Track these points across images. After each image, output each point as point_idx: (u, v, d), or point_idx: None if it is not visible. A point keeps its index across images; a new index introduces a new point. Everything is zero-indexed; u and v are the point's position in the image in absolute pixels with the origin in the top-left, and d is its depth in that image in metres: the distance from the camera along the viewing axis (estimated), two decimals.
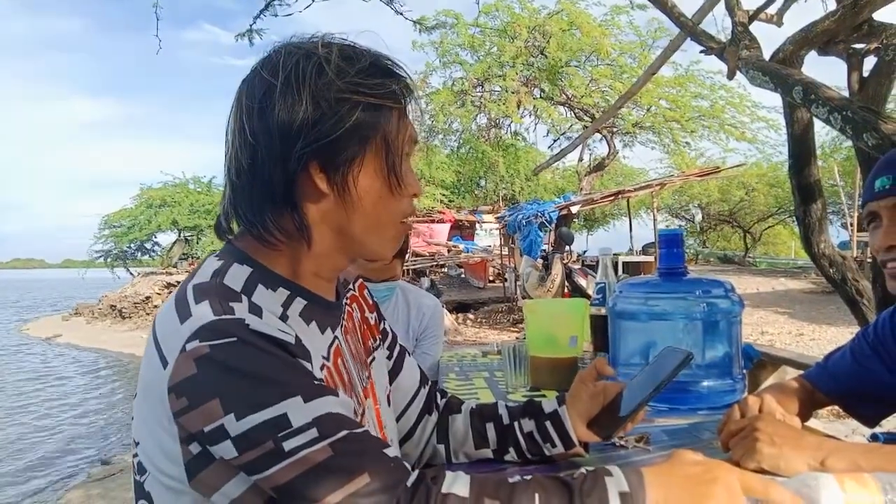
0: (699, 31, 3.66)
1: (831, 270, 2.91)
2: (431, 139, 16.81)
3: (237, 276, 0.81)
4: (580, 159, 17.78)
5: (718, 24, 6.82)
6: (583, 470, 0.75)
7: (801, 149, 3.12)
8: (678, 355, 1.06)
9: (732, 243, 28.12)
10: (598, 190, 15.30)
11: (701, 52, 3.61)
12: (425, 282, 15.99)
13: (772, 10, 3.54)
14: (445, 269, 19.05)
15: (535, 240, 11.00)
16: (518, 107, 14.08)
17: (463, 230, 22.18)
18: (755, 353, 1.63)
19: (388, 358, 1.11)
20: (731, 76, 3.38)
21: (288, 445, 0.68)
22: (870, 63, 2.91)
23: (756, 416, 1.05)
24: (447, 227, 20.02)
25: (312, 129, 0.78)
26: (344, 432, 0.71)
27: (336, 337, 0.91)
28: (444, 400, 1.17)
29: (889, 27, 2.76)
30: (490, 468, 1.08)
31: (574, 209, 12.28)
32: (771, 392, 1.41)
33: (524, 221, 11.42)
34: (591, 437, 1.04)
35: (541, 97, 14.49)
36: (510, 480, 0.73)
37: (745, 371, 1.58)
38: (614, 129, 14.48)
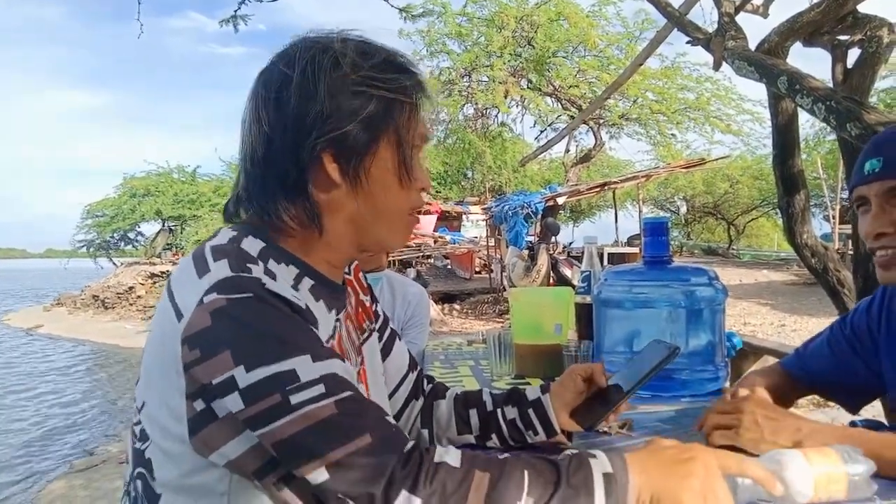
0: (686, 21, 3.66)
1: (813, 260, 2.93)
2: None
3: (252, 245, 0.83)
4: (567, 150, 17.83)
5: (706, 15, 6.82)
6: (567, 452, 0.75)
7: (786, 140, 3.13)
8: (664, 349, 1.07)
9: (717, 235, 28.34)
10: (585, 181, 15.35)
11: (687, 42, 3.61)
12: (411, 273, 15.98)
13: (758, 0, 3.55)
14: (432, 260, 19.03)
15: (520, 231, 11.04)
16: (505, 97, 14.08)
17: (449, 221, 22.17)
18: (739, 342, 1.64)
19: (380, 340, 1.12)
20: (716, 67, 3.39)
21: (295, 399, 0.70)
22: (854, 55, 2.93)
23: (742, 398, 1.05)
24: (434, 218, 20.00)
25: (326, 120, 0.81)
26: (349, 392, 0.73)
27: (338, 320, 0.93)
28: (430, 385, 1.18)
29: (873, 19, 2.78)
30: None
31: (560, 200, 12.32)
32: (753, 379, 1.43)
33: (510, 212, 11.45)
34: (573, 426, 1.06)
35: (528, 87, 14.50)
36: (500, 457, 0.73)
37: (727, 359, 1.59)
38: (601, 121, 14.52)
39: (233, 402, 0.71)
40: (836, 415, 3.41)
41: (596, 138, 14.63)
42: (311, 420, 0.69)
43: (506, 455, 0.74)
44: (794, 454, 0.80)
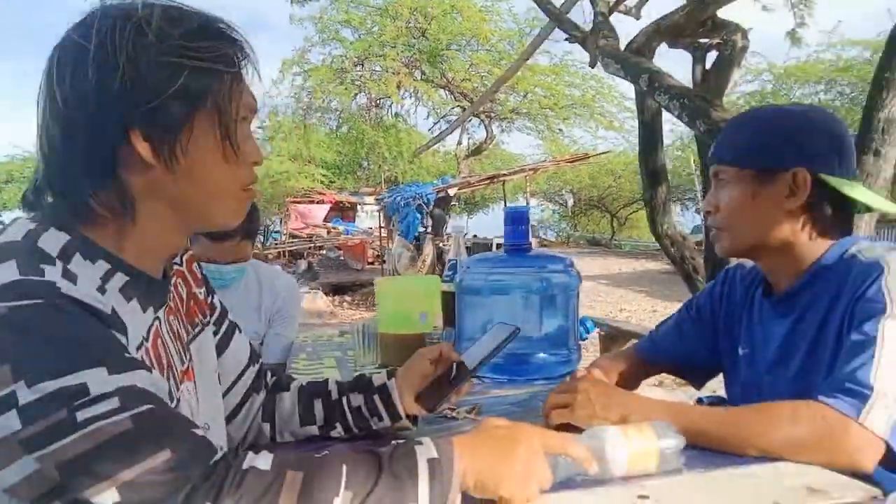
0: (564, 19, 3.78)
1: (672, 249, 3.13)
2: (309, 117, 16.39)
3: (53, 240, 0.74)
4: (459, 143, 18.03)
5: (586, 15, 7.05)
6: (394, 442, 0.74)
7: (650, 135, 3.31)
8: (506, 329, 1.09)
9: (601, 227, 29.68)
10: (478, 174, 15.60)
11: (565, 39, 3.73)
12: (302, 264, 15.64)
13: (631, 2, 3.73)
14: (324, 252, 18.73)
15: (412, 222, 11.07)
16: (398, 88, 14.04)
17: (344, 212, 21.88)
18: (592, 326, 1.72)
19: (216, 334, 1.06)
20: (592, 64, 3.53)
21: (82, 416, 0.62)
22: (713, 58, 3.13)
23: (578, 378, 1.09)
24: (327, 208, 19.69)
25: (131, 95, 0.73)
26: (148, 406, 0.66)
27: (157, 317, 0.85)
28: (273, 378, 1.14)
29: (729, 24, 2.98)
30: (315, 446, 1.07)
31: (451, 192, 12.46)
32: (603, 361, 1.49)
33: (403, 203, 11.45)
34: (417, 410, 1.05)
35: (422, 79, 14.52)
36: (316, 455, 0.71)
37: (580, 342, 1.65)
38: (492, 115, 14.80)
39: (7, 422, 0.63)
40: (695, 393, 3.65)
41: (487, 132, 14.91)
42: (100, 438, 0.63)
43: (323, 453, 0.71)
44: (613, 431, 0.84)
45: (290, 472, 0.67)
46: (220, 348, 1.06)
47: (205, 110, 0.78)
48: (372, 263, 15.92)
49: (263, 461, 0.68)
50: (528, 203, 13.53)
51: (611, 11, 3.53)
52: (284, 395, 1.11)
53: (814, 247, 1.08)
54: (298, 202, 19.35)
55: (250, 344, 1.14)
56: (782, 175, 1.06)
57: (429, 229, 11.27)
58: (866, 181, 1.91)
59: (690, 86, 2.83)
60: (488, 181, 13.38)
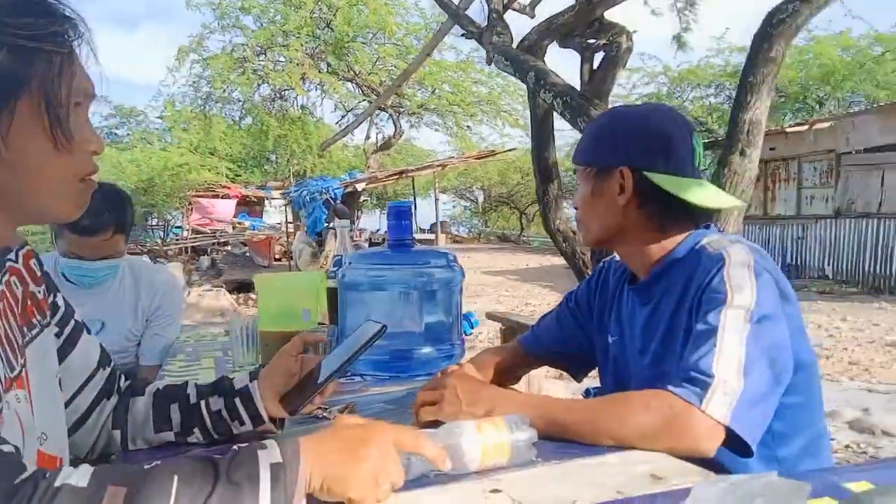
0: (461, 15, 3.80)
1: (564, 245, 3.22)
2: (210, 107, 15.75)
3: None
4: (368, 138, 17.88)
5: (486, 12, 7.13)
6: (235, 447, 0.71)
7: (542, 132, 3.39)
8: (373, 327, 1.06)
9: (511, 223, 30.33)
10: (387, 169, 15.52)
11: (462, 35, 3.76)
12: (205, 261, 15.05)
13: (525, 0, 3.79)
14: (229, 248, 18.10)
15: (319, 217, 10.88)
16: (303, 79, 13.72)
17: (251, 206, 21.25)
18: (476, 321, 1.74)
19: (59, 336, 0.98)
20: (489, 61, 3.57)
21: None
22: (602, 57, 3.23)
23: (445, 374, 1.09)
24: (233, 202, 19.05)
25: None
26: None
27: None
28: (128, 382, 1.07)
29: (615, 26, 3.09)
30: (170, 452, 1.01)
31: (359, 187, 12.33)
32: (484, 355, 1.50)
33: (309, 198, 11.23)
34: (281, 413, 1.01)
35: (327, 71, 14.26)
36: (145, 466, 0.66)
37: (464, 336, 1.66)
38: (400, 110, 14.75)
39: None
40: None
41: (396, 127, 14.85)
42: None
43: (154, 463, 0.67)
44: (467, 425, 0.84)
45: (112, 487, 0.61)
46: (65, 351, 0.99)
47: (28, 95, 0.72)
48: (279, 260, 15.53)
49: (80, 477, 0.62)
50: (437, 199, 13.61)
51: (505, 9, 3.58)
52: (138, 400, 1.04)
53: (664, 238, 1.13)
54: (202, 196, 18.62)
55: (101, 346, 1.07)
56: (613, 173, 1.12)
57: (331, 225, 11.12)
58: (733, 179, 2.03)
59: (579, 85, 2.92)
60: (398, 176, 13.35)
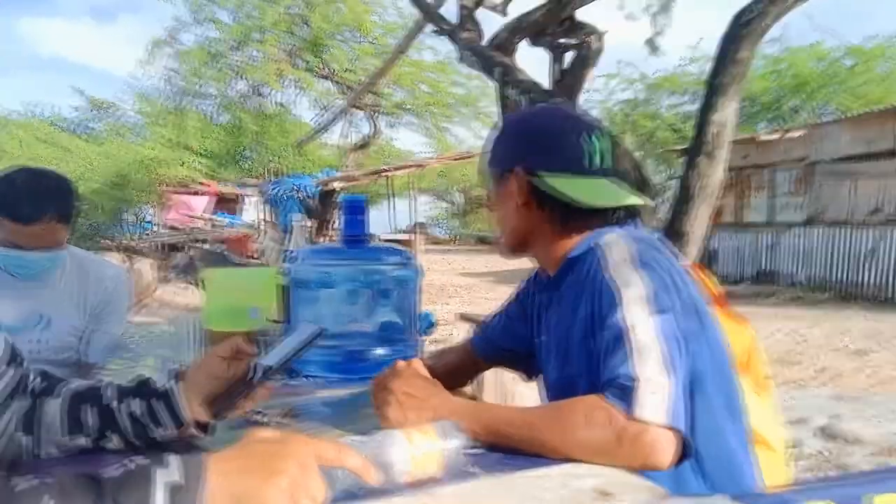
0: (434, 12, 3.75)
1: None
2: (184, 102, 15.50)
3: None
4: (345, 136, 17.75)
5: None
6: (130, 463, 0.63)
7: None
8: (309, 330, 1.01)
9: (489, 225, 30.32)
10: (365, 168, 15.41)
11: (433, 32, 3.71)
12: (181, 258, 14.78)
13: None
14: (206, 245, 17.85)
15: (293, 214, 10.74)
16: (279, 76, 13.56)
17: (228, 203, 21.00)
18: (433, 321, 1.68)
19: None
20: (460, 59, 3.52)
21: None
22: (572, 57, 3.20)
23: (388, 377, 1.02)
24: (209, 199, 18.81)
25: None
26: None
27: None
28: (44, 384, 0.98)
29: (586, 26, 3.06)
30: (85, 459, 0.93)
31: (336, 185, 12.21)
32: (437, 356, 1.44)
33: (284, 196, 11.10)
34: (206, 417, 0.94)
35: (304, 68, 14.12)
36: (16, 489, 0.58)
37: (421, 337, 1.60)
38: (378, 109, 14.65)
39: None
40: None
41: (374, 126, 14.76)
42: None
43: (25, 485, 0.59)
44: (396, 435, 0.80)
45: None
46: None
47: None
48: (255, 257, 15.35)
49: None
50: (414, 200, 13.55)
51: (476, 6, 3.54)
52: (50, 403, 0.95)
53: (564, 238, 1.09)
54: (178, 192, 18.34)
55: (13, 345, 0.98)
56: (508, 177, 1.11)
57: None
58: (701, 182, 1.99)
59: (549, 84, 2.88)
60: (376, 176, 13.26)
